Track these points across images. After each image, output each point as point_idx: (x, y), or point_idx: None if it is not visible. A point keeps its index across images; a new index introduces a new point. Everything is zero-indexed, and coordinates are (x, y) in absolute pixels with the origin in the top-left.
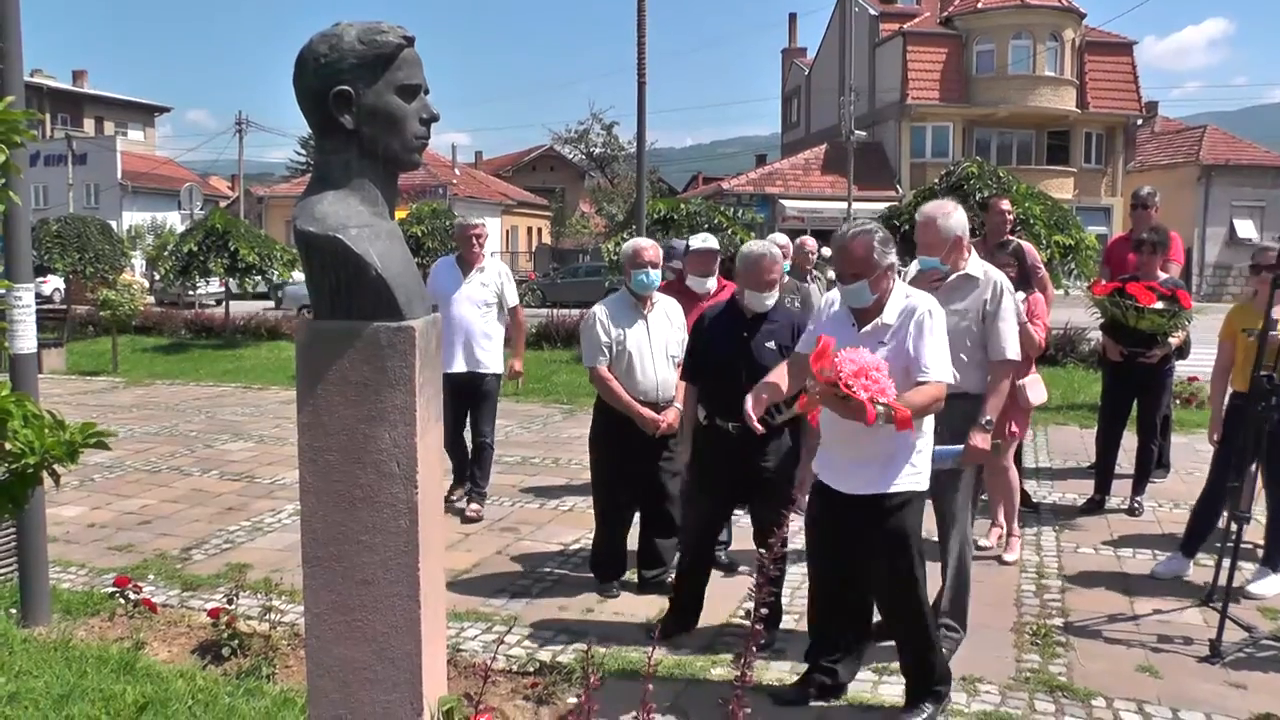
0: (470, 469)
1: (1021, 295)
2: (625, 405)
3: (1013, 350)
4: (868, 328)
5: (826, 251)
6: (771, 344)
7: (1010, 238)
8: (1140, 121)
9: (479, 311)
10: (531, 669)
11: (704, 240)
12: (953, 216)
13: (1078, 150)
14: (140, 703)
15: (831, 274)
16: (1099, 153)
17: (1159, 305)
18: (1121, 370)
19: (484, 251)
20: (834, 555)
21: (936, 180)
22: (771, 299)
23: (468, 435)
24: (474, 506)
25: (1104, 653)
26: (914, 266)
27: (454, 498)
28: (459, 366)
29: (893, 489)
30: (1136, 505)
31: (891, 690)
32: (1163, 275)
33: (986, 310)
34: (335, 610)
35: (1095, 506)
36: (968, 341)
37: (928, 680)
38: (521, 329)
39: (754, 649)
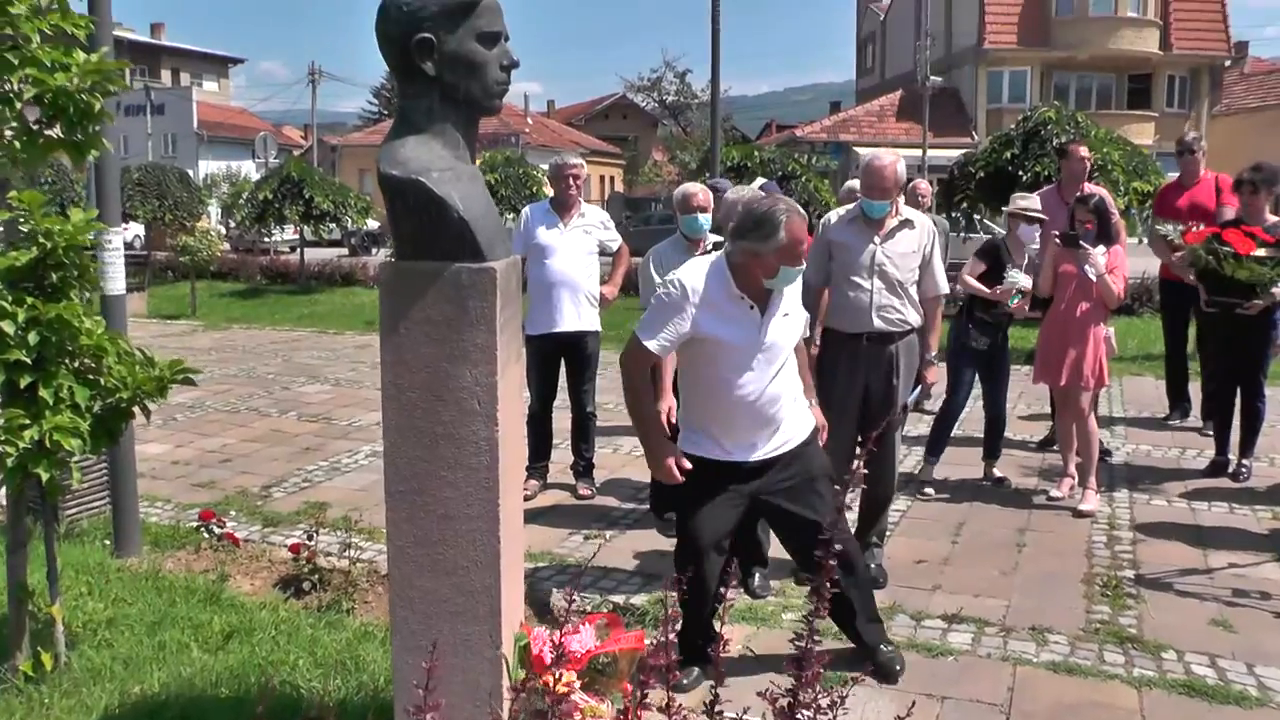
0: (574, 444)
1: (1101, 249)
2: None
3: (945, 286)
4: None
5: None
6: None
7: (1093, 190)
8: (1228, 63)
9: (583, 263)
10: (605, 609)
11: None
12: (901, 163)
13: (1160, 94)
14: (227, 631)
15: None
16: (1183, 96)
17: (1260, 253)
18: (1217, 322)
19: (581, 194)
20: (726, 519)
21: (1013, 126)
22: None
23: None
24: (585, 484)
25: (1176, 606)
26: (845, 209)
27: (527, 490)
28: (564, 325)
29: (808, 433)
30: (1244, 469)
31: (959, 638)
32: (1272, 219)
33: (925, 253)
34: (417, 544)
35: (1219, 469)
36: (912, 281)
37: (873, 602)
38: (624, 261)
39: (828, 591)
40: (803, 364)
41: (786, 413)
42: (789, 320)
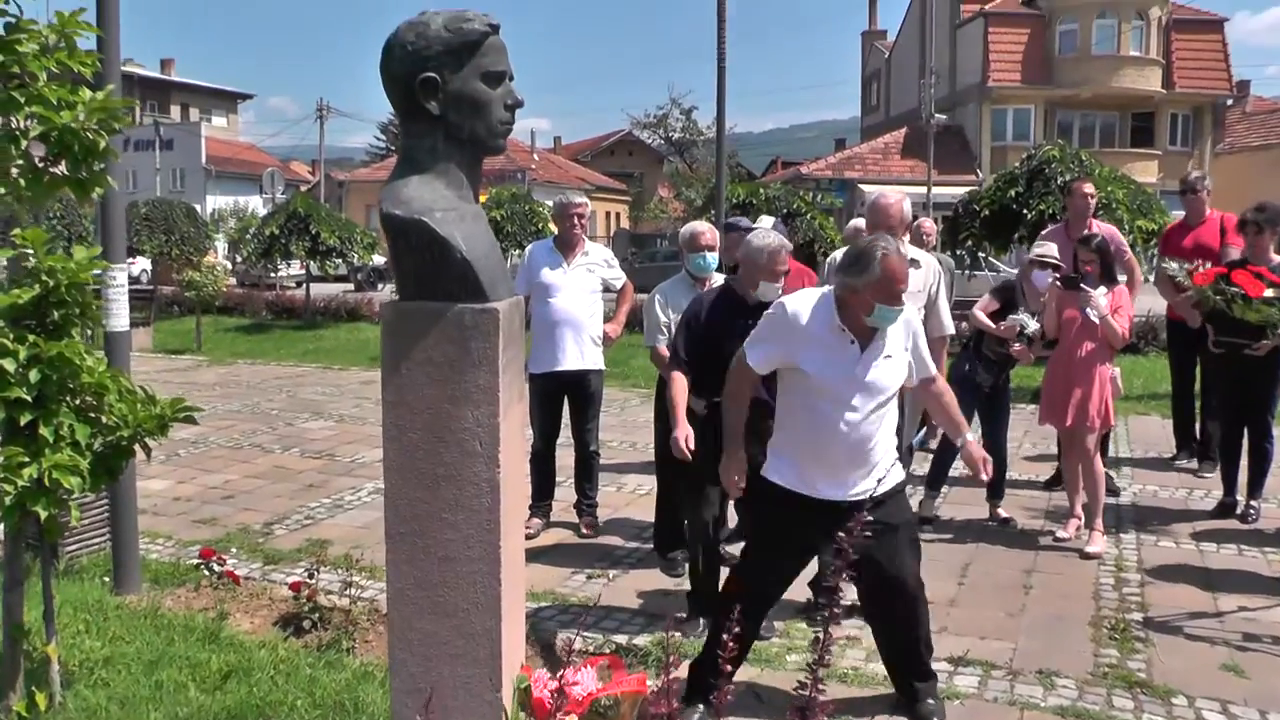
0: (578, 482)
1: (1103, 290)
2: (672, 396)
3: (950, 326)
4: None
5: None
6: None
7: (1095, 231)
8: (1230, 102)
9: (586, 302)
10: (608, 650)
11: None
12: (907, 202)
13: (1163, 132)
14: (225, 671)
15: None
16: (1185, 134)
17: (1269, 293)
18: (1225, 362)
19: (585, 233)
20: (793, 562)
21: (1017, 164)
22: (779, 289)
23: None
24: (588, 521)
25: (1185, 649)
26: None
27: (530, 529)
28: (567, 364)
29: (897, 482)
30: (1252, 511)
31: (966, 681)
32: (1277, 259)
33: (931, 293)
34: (417, 586)
35: (1227, 510)
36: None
37: (929, 656)
38: (629, 299)
39: (829, 633)
40: (949, 401)
41: (879, 457)
42: (891, 363)
